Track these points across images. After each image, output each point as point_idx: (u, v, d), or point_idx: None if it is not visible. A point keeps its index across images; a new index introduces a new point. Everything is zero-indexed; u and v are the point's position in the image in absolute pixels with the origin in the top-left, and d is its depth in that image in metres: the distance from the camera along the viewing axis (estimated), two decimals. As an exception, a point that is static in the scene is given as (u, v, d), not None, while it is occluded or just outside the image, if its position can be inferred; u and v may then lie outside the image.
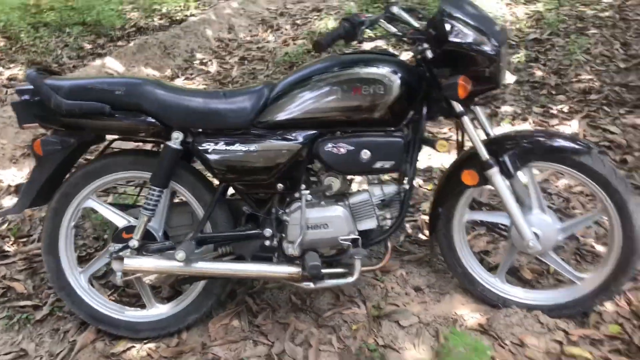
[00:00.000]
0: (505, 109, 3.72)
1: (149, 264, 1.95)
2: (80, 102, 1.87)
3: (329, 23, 5.63)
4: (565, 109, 3.66)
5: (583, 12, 5.15)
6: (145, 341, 2.11)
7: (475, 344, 1.83)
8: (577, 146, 1.90)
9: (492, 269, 2.24)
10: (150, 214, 1.97)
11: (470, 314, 2.12)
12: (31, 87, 1.88)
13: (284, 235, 1.98)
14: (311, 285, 1.94)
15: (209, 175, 2.07)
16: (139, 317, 2.13)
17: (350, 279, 1.93)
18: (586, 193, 2.79)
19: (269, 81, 2.11)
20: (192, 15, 6.41)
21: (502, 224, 2.13)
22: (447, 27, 1.79)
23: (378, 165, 1.89)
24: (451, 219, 2.11)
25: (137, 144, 2.25)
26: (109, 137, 2.13)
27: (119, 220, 2.07)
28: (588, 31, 4.84)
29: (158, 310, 2.12)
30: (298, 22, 6.19)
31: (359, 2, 6.11)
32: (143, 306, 2.15)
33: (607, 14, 5.09)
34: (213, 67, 5.05)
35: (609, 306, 2.13)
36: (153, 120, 1.90)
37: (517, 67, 4.30)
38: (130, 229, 2.02)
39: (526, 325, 2.05)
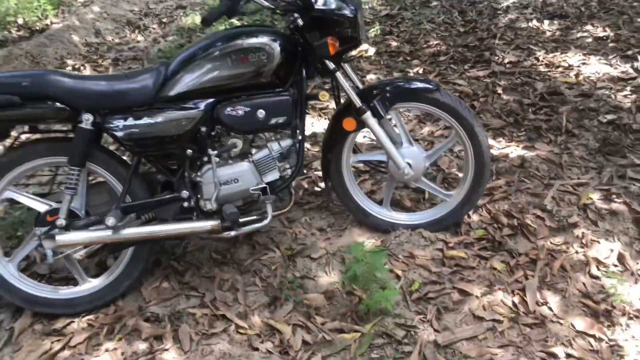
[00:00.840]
0: (370, 77, 4.19)
1: (81, 237, 2.12)
2: None
3: (196, 18, 5.82)
4: (420, 71, 4.21)
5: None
6: (83, 314, 2.27)
7: (373, 252, 2.22)
8: (429, 86, 2.35)
9: (379, 203, 2.64)
10: (72, 192, 2.13)
11: (367, 241, 2.51)
12: None
13: (199, 195, 2.24)
14: (232, 233, 2.22)
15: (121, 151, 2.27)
16: (73, 293, 2.27)
17: (265, 222, 2.23)
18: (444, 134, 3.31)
19: (164, 60, 2.33)
20: (53, 23, 6.28)
21: (381, 161, 2.54)
22: None
23: (273, 121, 2.20)
24: (340, 164, 2.49)
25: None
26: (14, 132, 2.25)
27: (41, 206, 2.20)
28: (431, 4, 5.49)
29: (91, 284, 2.29)
30: (164, 20, 6.31)
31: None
32: (75, 284, 2.30)
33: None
34: (87, 72, 5.06)
35: (474, 217, 2.63)
36: (62, 105, 2.07)
37: (375, 41, 4.80)
38: (53, 212, 2.16)
39: (413, 241, 2.48)
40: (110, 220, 2.08)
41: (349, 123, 2.35)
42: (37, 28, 6.23)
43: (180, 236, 2.32)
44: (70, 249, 2.17)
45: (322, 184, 2.73)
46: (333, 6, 2.17)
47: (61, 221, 2.13)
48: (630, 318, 2.06)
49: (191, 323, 2.18)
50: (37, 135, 2.28)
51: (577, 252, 2.36)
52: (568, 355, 1.93)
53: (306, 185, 2.98)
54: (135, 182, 2.23)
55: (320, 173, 2.71)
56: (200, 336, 2.12)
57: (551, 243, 2.43)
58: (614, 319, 2.06)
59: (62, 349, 2.11)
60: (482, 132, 2.39)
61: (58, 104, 2.06)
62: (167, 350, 2.07)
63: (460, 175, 2.79)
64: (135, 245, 2.26)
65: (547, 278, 2.26)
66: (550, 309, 2.13)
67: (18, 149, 2.18)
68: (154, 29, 6.05)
